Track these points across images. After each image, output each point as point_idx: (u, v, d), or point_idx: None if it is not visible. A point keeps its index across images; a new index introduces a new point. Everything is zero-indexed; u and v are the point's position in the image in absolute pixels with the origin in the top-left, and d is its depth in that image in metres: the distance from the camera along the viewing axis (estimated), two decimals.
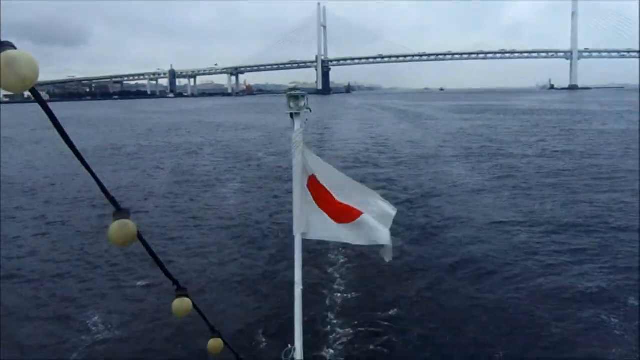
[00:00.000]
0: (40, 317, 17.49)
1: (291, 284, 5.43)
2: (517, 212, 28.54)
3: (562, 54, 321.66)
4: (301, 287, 5.37)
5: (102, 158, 50.23)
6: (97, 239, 26.22)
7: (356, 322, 16.31)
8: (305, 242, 5.52)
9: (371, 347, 14.72)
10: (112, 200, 2.39)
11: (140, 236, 2.50)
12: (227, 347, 4.39)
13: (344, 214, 5.38)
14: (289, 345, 5.36)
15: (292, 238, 5.48)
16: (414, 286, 18.74)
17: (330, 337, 15.19)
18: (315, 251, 22.32)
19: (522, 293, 17.78)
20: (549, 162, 42.97)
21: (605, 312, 15.70)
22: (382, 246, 5.45)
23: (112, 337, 16.84)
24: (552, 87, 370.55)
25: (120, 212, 2.38)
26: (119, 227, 2.36)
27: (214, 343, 4.19)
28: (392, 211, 5.55)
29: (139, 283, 22.20)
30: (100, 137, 71.07)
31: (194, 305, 3.33)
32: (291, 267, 5.44)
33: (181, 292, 3.25)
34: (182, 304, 3.26)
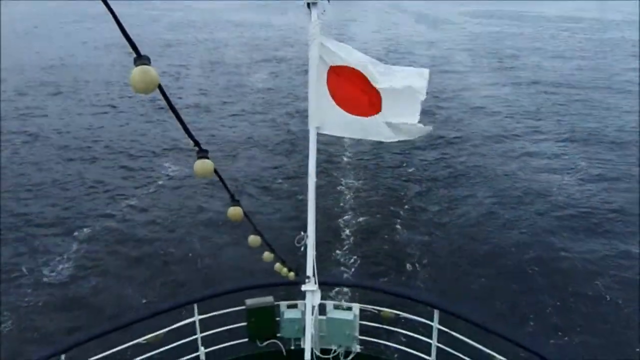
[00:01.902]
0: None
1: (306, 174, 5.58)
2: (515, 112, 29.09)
3: None
4: (315, 178, 5.49)
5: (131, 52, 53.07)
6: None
7: (366, 217, 16.97)
8: (322, 136, 5.53)
9: (379, 238, 15.45)
10: (134, 46, 2.33)
11: (161, 88, 2.48)
12: (246, 218, 4.60)
13: (365, 106, 5.19)
14: (302, 233, 5.62)
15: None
16: (422, 190, 19.25)
17: (342, 229, 15.89)
18: (331, 146, 22.70)
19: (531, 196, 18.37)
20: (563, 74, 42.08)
21: None
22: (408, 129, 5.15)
23: (136, 198, 18.06)
24: None
25: (141, 58, 2.32)
26: (141, 72, 2.28)
27: (234, 211, 4.40)
28: (424, 81, 4.94)
29: (162, 143, 23.41)
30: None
31: (216, 170, 3.42)
32: (307, 158, 5.54)
33: (202, 154, 3.28)
34: (203, 166, 3.30)
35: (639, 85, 36.01)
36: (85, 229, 16.08)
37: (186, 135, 3.07)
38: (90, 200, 17.99)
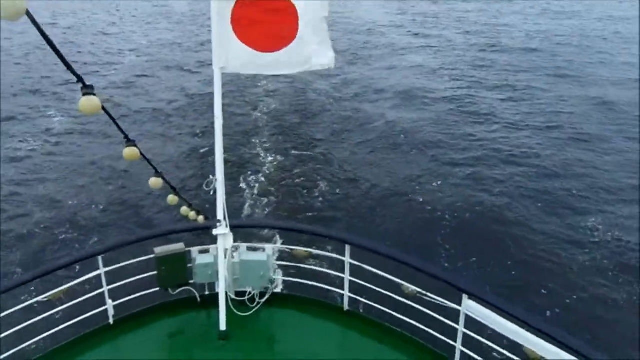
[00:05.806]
0: None
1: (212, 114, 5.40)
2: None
3: None
4: (221, 120, 5.36)
5: None
6: None
7: (276, 155, 16.87)
8: (230, 74, 5.34)
9: (291, 179, 15.46)
10: None
11: (30, 15, 2.22)
12: (144, 159, 4.34)
13: (275, 39, 5.09)
14: (211, 177, 5.46)
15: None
16: (334, 129, 19.31)
17: (251, 171, 15.69)
18: (239, 85, 21.93)
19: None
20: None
21: None
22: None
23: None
24: None
25: None
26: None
27: (130, 152, 4.13)
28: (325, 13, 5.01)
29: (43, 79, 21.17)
30: None
31: (104, 108, 3.13)
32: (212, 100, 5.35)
33: (88, 90, 3.01)
34: (89, 103, 3.03)
35: None
36: None
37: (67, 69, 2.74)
38: None
